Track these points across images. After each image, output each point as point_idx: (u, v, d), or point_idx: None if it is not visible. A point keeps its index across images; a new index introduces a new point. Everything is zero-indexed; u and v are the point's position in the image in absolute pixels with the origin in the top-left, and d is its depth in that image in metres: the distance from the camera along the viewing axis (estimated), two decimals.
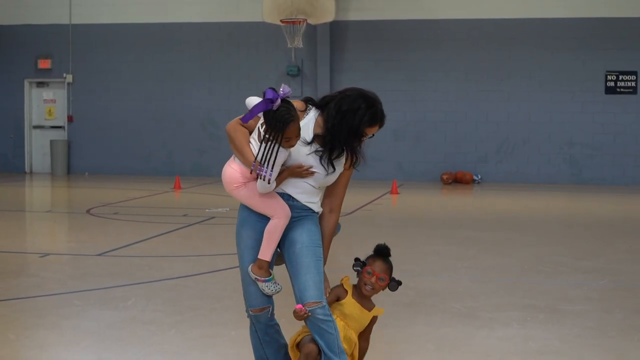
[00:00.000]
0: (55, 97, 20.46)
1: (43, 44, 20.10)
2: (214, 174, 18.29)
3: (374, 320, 4.04)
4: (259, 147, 3.79)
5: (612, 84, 18.01)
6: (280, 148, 3.73)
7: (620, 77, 17.99)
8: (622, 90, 18.00)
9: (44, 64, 20.19)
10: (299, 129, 3.75)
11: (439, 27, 18.50)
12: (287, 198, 3.91)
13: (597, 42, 17.97)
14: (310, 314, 3.75)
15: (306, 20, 16.40)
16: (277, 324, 4.08)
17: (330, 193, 4.03)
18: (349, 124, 3.82)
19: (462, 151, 18.57)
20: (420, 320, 5.85)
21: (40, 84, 20.53)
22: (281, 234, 3.92)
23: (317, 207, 4.00)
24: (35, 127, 20.62)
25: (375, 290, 3.98)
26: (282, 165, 3.81)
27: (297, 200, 3.92)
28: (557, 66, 18.15)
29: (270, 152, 3.70)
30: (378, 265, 3.97)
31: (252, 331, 4.09)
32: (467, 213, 13.20)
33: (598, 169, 18.12)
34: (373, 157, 18.56)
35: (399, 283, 4.04)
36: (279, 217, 3.89)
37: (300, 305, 3.76)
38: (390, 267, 4.02)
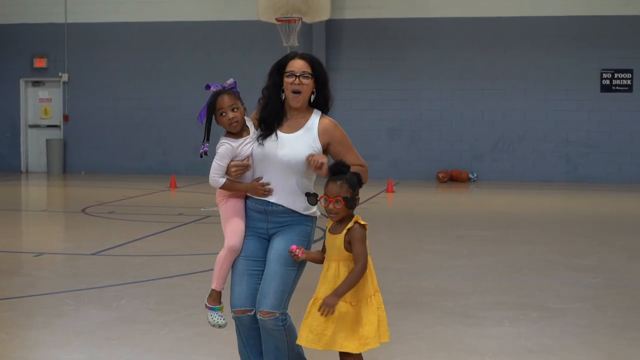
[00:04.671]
0: (51, 96, 20.44)
1: (39, 43, 20.08)
2: (209, 173, 18.28)
3: (351, 234, 3.74)
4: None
5: (608, 82, 18.03)
6: (227, 142, 3.93)
7: (616, 75, 18.01)
8: (617, 88, 18.02)
9: (40, 63, 20.16)
10: (230, 101, 3.92)
11: (434, 26, 18.50)
12: (267, 203, 3.95)
13: (592, 40, 17.99)
14: (298, 258, 3.82)
15: (301, 18, 16.39)
16: None
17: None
18: (269, 82, 4.04)
19: (457, 149, 18.59)
20: (412, 319, 5.85)
21: (35, 83, 20.50)
22: (228, 265, 4.00)
23: (304, 209, 3.97)
24: (31, 126, 20.60)
25: (339, 215, 3.78)
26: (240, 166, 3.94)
27: (278, 205, 3.94)
28: (553, 64, 18.17)
29: (206, 128, 3.99)
30: (329, 190, 3.79)
31: (237, 335, 4.09)
32: (463, 211, 13.21)
33: (593, 167, 18.15)
34: (369, 155, 18.63)
35: (349, 200, 3.75)
36: (224, 246, 4.00)
37: (294, 247, 3.82)
38: (344, 185, 3.76)
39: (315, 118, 4.02)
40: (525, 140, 18.38)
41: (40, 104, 20.56)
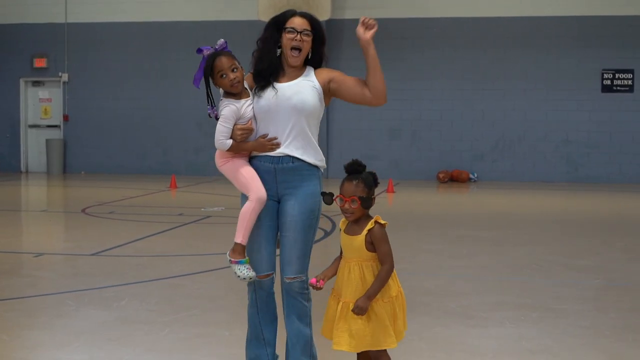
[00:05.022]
0: (51, 96, 20.44)
1: (39, 42, 20.08)
2: (209, 172, 18.28)
3: (373, 235, 3.75)
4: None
5: (609, 82, 18.03)
6: (231, 103, 3.89)
7: (617, 76, 18.00)
8: (618, 88, 18.02)
9: (40, 62, 20.17)
10: (229, 62, 3.89)
11: (434, 26, 18.50)
12: (277, 160, 3.93)
13: (593, 41, 17.98)
14: (321, 288, 3.82)
15: None
16: (274, 294, 4.15)
17: (356, 85, 3.97)
18: (266, 35, 4.04)
19: (458, 149, 18.58)
20: (413, 319, 5.80)
21: (36, 83, 20.50)
22: (255, 217, 3.95)
23: (314, 159, 3.99)
24: (31, 126, 20.60)
25: (355, 214, 3.77)
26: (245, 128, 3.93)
27: (288, 157, 3.94)
28: (553, 64, 18.16)
29: (207, 92, 3.98)
30: (345, 189, 3.78)
31: (251, 302, 4.12)
32: (463, 211, 13.20)
33: (594, 167, 18.14)
34: (369, 155, 18.65)
35: (365, 199, 3.75)
36: (251, 199, 3.93)
37: (314, 280, 3.82)
38: (359, 184, 3.75)
39: (310, 69, 4.07)
40: (526, 141, 18.38)
41: (40, 104, 20.56)
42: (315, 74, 4.04)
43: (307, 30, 3.95)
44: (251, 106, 3.95)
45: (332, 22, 18.25)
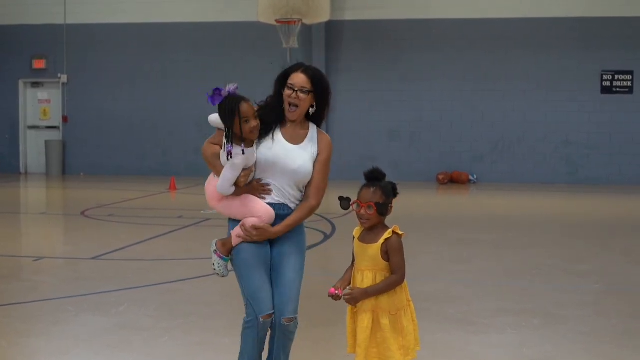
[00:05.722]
0: (50, 97, 20.41)
1: (38, 44, 20.05)
2: (209, 174, 18.23)
3: (390, 244, 3.73)
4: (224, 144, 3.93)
5: (608, 83, 18.01)
6: (243, 154, 3.86)
7: (616, 77, 17.98)
8: (618, 89, 18.00)
9: (39, 64, 20.14)
10: (252, 110, 3.90)
11: (434, 27, 18.47)
12: (284, 208, 4.02)
13: (593, 42, 17.96)
14: (340, 297, 3.81)
15: (301, 20, 16.35)
16: None
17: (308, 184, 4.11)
18: (275, 92, 4.08)
19: (457, 151, 18.56)
20: None
21: (35, 84, 20.47)
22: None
23: None
24: (30, 127, 20.58)
25: (371, 221, 3.77)
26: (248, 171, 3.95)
27: (290, 209, 4.05)
28: (553, 66, 18.14)
29: (232, 134, 3.86)
30: (362, 195, 3.80)
31: (253, 339, 4.02)
32: (463, 213, 13.18)
33: (594, 169, 18.12)
34: (368, 157, 18.62)
35: (381, 206, 3.79)
36: (262, 219, 3.97)
37: (332, 290, 3.80)
38: (377, 191, 3.79)
39: (313, 130, 4.15)
40: (526, 142, 18.36)
41: (40, 105, 20.53)
42: (319, 138, 4.14)
43: (306, 88, 4.00)
44: (255, 154, 3.98)
45: (332, 23, 18.22)
